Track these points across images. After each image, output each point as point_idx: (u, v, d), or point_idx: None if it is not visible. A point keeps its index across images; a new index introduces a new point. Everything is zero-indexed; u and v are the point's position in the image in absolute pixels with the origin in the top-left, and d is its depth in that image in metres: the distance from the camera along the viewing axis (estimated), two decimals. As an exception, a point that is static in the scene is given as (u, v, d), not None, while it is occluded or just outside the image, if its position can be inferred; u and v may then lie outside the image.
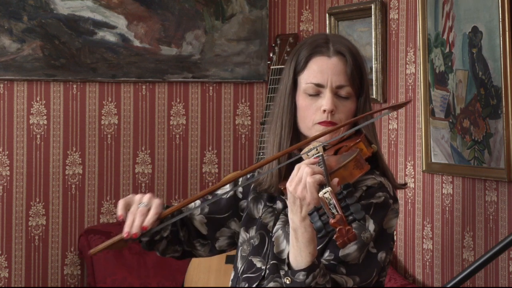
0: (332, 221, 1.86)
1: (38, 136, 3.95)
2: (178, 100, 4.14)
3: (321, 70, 2.31)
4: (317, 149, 2.24)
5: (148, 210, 2.22)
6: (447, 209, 3.24)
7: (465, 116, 3.09)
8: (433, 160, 3.28)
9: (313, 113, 2.31)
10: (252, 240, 2.37)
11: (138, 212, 2.22)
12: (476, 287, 3.06)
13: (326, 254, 2.20)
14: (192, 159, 4.15)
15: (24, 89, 3.93)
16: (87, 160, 4.01)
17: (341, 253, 2.18)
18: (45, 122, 3.95)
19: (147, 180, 4.10)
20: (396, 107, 2.31)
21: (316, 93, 2.32)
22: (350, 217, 1.88)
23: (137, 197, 2.27)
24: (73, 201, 4.00)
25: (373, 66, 3.65)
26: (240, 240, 2.43)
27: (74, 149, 3.99)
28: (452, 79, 3.15)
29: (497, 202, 2.96)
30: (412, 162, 3.44)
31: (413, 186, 3.43)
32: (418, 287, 3.39)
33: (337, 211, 1.88)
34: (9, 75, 3.87)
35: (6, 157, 3.90)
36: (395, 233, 2.35)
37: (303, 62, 2.34)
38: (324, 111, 2.30)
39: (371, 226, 2.22)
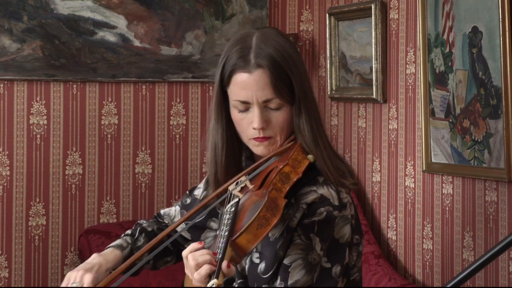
0: None
1: (38, 136, 3.94)
2: (178, 100, 4.13)
3: (244, 87, 2.22)
4: (243, 184, 2.18)
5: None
6: (447, 209, 3.24)
7: (465, 116, 3.09)
8: (433, 160, 3.28)
9: (246, 128, 2.25)
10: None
11: None
12: (476, 287, 3.06)
13: (277, 282, 2.16)
14: (192, 159, 4.15)
15: (24, 89, 3.93)
16: (87, 160, 4.01)
17: (290, 280, 2.14)
18: (45, 122, 3.95)
19: (147, 180, 4.10)
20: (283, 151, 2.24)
21: (245, 109, 2.24)
22: None
23: (72, 276, 2.27)
24: (73, 201, 4.00)
25: (373, 66, 3.65)
26: None
27: (74, 149, 3.99)
28: (452, 79, 3.15)
29: (497, 202, 2.96)
30: (412, 162, 3.44)
31: (413, 186, 3.43)
32: (418, 287, 3.39)
33: None
34: (9, 75, 3.87)
35: (6, 157, 3.90)
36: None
37: (227, 75, 2.26)
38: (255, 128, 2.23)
39: (317, 245, 2.16)
